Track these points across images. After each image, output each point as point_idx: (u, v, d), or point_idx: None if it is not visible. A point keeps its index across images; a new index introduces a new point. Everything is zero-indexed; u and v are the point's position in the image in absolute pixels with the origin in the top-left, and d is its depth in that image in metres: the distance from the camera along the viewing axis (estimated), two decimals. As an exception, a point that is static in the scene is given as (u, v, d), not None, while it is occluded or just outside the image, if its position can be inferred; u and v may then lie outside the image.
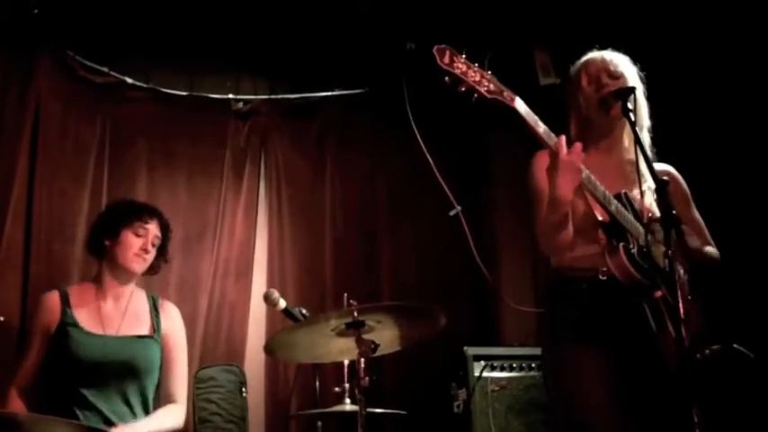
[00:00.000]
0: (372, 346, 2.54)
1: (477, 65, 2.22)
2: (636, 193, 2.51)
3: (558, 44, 4.08)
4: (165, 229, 3.23)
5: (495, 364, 3.62)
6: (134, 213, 3.14)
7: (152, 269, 3.26)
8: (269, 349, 3.00)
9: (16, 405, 2.95)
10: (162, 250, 3.24)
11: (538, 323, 3.92)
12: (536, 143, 2.39)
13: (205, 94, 4.39)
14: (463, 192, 4.06)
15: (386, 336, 2.67)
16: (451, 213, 3.67)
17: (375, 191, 4.55)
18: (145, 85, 4.26)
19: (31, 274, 3.66)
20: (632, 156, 2.53)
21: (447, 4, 3.96)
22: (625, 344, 2.38)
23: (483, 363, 3.60)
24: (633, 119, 2.43)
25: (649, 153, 2.43)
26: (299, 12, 4.05)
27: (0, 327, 3.48)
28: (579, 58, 2.72)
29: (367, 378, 2.51)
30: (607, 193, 2.40)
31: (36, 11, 3.71)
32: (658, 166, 2.55)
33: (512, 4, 4.00)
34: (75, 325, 2.99)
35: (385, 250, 4.47)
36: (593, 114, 2.58)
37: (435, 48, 2.17)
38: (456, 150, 4.43)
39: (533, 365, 3.63)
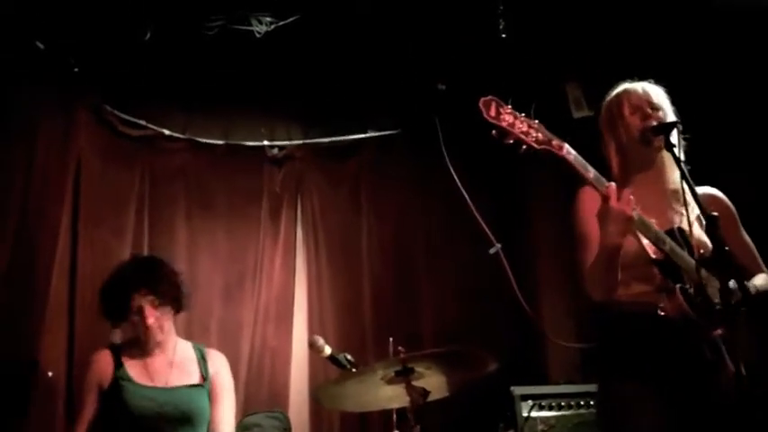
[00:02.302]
0: (423, 392, 2.52)
1: (523, 114, 2.18)
2: (685, 224, 2.46)
3: (590, 77, 4.09)
4: (156, 285, 3.10)
5: (542, 404, 3.58)
6: (119, 303, 3.07)
7: (178, 308, 3.21)
8: (316, 399, 2.98)
9: None
10: (174, 299, 3.17)
11: (583, 359, 3.87)
12: (576, 179, 2.36)
13: (240, 142, 4.44)
14: (502, 229, 4.05)
15: (434, 381, 2.65)
16: (491, 251, 3.66)
17: (412, 231, 4.54)
18: (182, 136, 4.31)
19: (76, 328, 3.69)
20: (675, 185, 2.51)
21: (476, 41, 3.98)
22: (683, 382, 2.33)
23: (531, 402, 3.56)
24: (678, 155, 2.41)
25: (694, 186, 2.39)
26: (329, 56, 4.10)
27: (48, 382, 3.51)
28: (611, 88, 2.71)
29: (418, 426, 2.48)
30: (660, 232, 2.36)
31: (76, 69, 3.78)
32: (703, 190, 2.52)
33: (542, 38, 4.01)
34: (128, 379, 3.03)
35: (425, 290, 4.45)
36: (635, 144, 2.55)
37: (481, 100, 2.12)
38: (494, 186, 4.42)
39: (582, 403, 3.57)
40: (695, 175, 2.40)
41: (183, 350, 3.21)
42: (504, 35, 3.64)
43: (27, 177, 3.68)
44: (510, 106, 2.16)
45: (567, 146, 2.24)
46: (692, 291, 2.33)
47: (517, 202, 4.55)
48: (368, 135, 4.55)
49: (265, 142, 4.46)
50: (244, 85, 4.17)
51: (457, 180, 3.51)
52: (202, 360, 3.22)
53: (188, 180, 4.30)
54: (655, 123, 2.51)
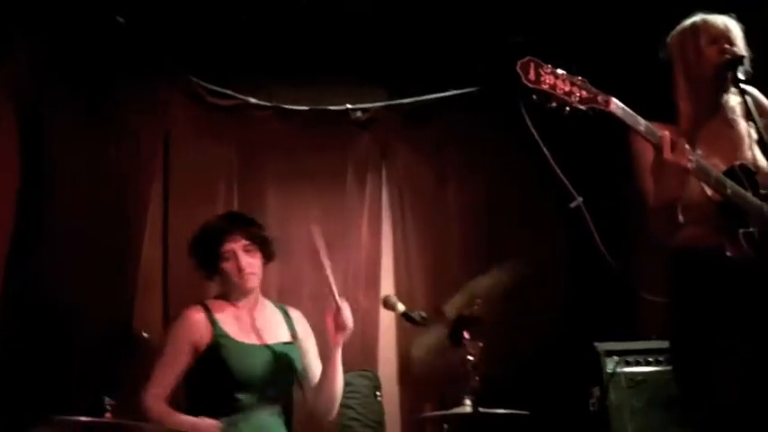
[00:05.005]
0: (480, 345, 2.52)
1: (565, 73, 2.10)
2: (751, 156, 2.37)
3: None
4: (246, 229, 3.15)
5: (629, 359, 3.45)
6: (211, 250, 3.12)
7: (267, 256, 3.23)
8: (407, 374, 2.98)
9: (162, 409, 2.94)
10: (264, 244, 3.20)
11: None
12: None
13: (325, 107, 4.46)
14: (589, 181, 3.88)
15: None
16: (572, 205, 3.53)
17: (498, 190, 4.46)
18: (268, 104, 4.39)
19: (170, 293, 3.86)
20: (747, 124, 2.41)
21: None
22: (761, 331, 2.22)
23: (616, 358, 3.44)
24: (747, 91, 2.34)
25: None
26: (407, 16, 4.06)
27: (146, 342, 3.68)
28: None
29: (477, 378, 2.48)
30: (720, 176, 2.27)
31: (161, 43, 3.90)
32: None
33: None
34: (228, 337, 3.00)
35: (513, 249, 4.35)
36: (707, 80, 2.42)
37: (519, 63, 2.05)
38: (579, 138, 4.26)
39: (671, 358, 3.42)
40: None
41: (268, 309, 3.26)
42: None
43: (119, 154, 3.83)
44: (550, 66, 2.08)
45: (614, 100, 2.16)
46: (756, 233, 2.22)
47: (605, 150, 4.36)
48: (449, 93, 4.48)
49: (348, 106, 4.48)
50: (325, 48, 4.19)
51: (534, 132, 3.37)
52: (287, 317, 3.26)
53: (275, 149, 4.38)
54: (729, 57, 2.37)
